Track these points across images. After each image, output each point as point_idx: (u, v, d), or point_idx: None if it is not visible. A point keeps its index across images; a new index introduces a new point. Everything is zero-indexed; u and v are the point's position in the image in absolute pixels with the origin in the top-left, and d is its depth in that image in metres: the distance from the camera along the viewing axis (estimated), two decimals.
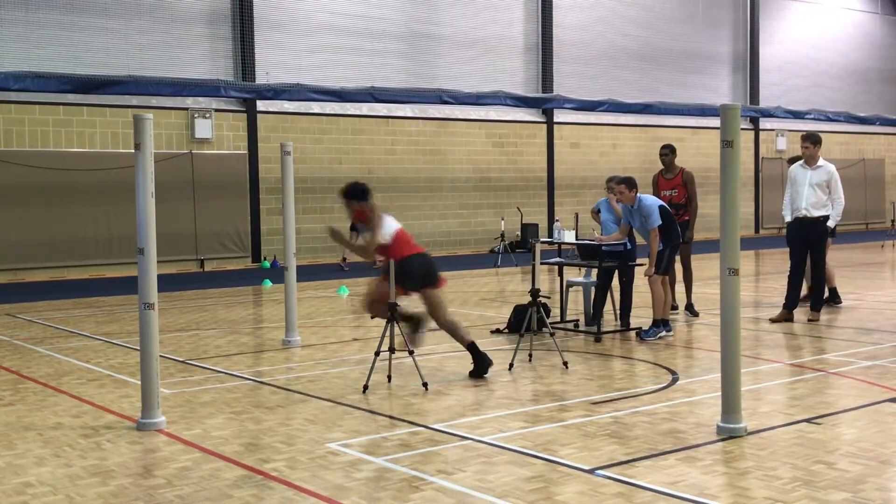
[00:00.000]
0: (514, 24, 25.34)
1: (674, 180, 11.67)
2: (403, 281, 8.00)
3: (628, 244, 10.46)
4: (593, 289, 10.83)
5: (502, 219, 22.89)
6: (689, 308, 11.69)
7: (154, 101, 19.51)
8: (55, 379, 8.50)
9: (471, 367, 8.23)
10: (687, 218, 11.57)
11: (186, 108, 20.45)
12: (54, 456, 5.94)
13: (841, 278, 14.90)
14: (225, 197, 20.90)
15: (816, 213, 10.91)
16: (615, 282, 10.76)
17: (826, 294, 11.71)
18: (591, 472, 5.36)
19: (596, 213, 11.43)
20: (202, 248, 20.72)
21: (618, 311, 10.88)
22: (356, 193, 8.41)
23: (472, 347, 8.16)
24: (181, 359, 9.44)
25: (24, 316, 13.14)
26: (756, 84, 30.59)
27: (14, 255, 18.55)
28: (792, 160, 11.68)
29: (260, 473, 5.48)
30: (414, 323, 8.44)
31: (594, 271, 10.76)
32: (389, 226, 8.22)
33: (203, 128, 20.67)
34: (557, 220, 12.85)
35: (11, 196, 18.41)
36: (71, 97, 18.73)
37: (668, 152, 11.85)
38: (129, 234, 7.30)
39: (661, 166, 11.97)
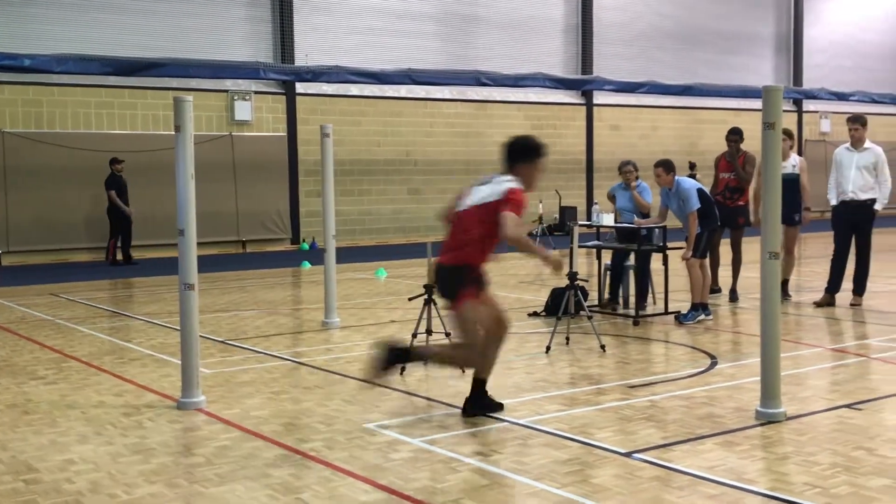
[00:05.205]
0: (553, 4, 25.15)
1: (735, 163, 11.56)
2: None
3: (643, 229, 10.38)
4: (632, 272, 10.80)
5: (540, 202, 22.79)
6: (731, 293, 11.56)
7: (194, 83, 19.65)
8: (97, 358, 8.62)
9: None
10: (742, 203, 11.47)
11: (226, 91, 20.58)
12: (96, 434, 6.03)
13: (885, 263, 14.70)
14: (265, 179, 21.03)
15: (864, 196, 10.77)
16: (654, 265, 10.72)
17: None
18: (628, 455, 5.35)
19: (610, 198, 11.28)
20: (243, 229, 20.88)
21: (654, 295, 10.84)
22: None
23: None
24: (221, 339, 9.53)
25: (67, 296, 13.33)
26: (800, 65, 30.11)
27: (57, 235, 18.81)
28: None
29: (298, 453, 5.53)
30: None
31: (632, 255, 10.73)
32: None
33: (243, 110, 20.80)
34: (596, 203, 12.75)
35: (54, 177, 18.64)
36: (112, 79, 18.87)
37: (737, 138, 11.64)
38: (171, 216, 7.37)
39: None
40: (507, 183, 6.06)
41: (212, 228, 18.98)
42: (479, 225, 6.04)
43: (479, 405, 6.32)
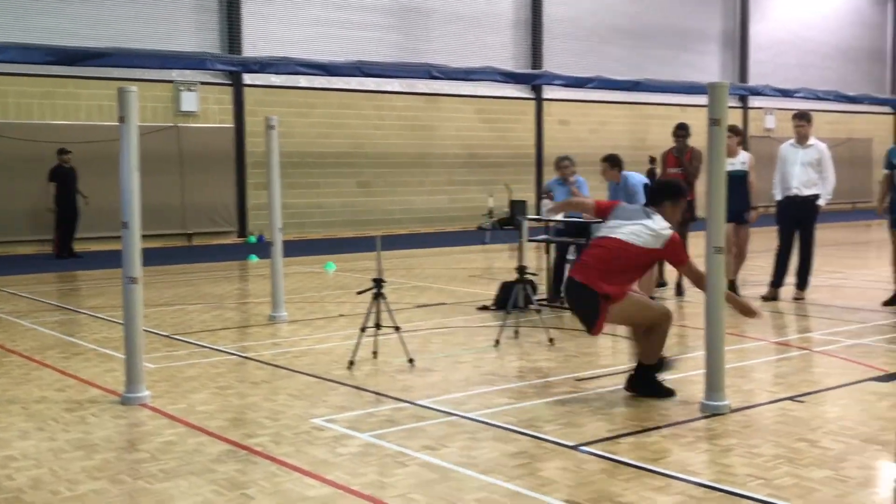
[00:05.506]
0: None
1: (683, 159, 11.65)
2: None
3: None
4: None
5: (490, 196, 22.83)
6: (677, 287, 11.69)
7: (139, 73, 19.34)
8: (39, 352, 8.47)
9: None
10: (689, 198, 11.53)
11: (172, 81, 20.30)
12: (38, 430, 5.93)
13: (827, 257, 14.98)
14: (211, 171, 20.80)
15: (808, 192, 10.96)
16: None
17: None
18: (575, 448, 5.38)
19: (547, 193, 11.31)
20: (189, 222, 20.64)
21: None
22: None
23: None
24: (166, 333, 9.41)
25: (9, 289, 13.07)
26: (745, 62, 30.54)
27: None
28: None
29: (244, 448, 5.48)
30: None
31: (571, 248, 10.81)
32: None
33: (189, 101, 20.54)
34: (545, 198, 12.80)
35: None
36: (56, 69, 18.54)
37: (684, 133, 11.71)
38: (116, 208, 7.26)
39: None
40: (665, 231, 6.52)
41: (157, 221, 18.74)
42: (632, 263, 6.54)
43: (647, 389, 6.62)
